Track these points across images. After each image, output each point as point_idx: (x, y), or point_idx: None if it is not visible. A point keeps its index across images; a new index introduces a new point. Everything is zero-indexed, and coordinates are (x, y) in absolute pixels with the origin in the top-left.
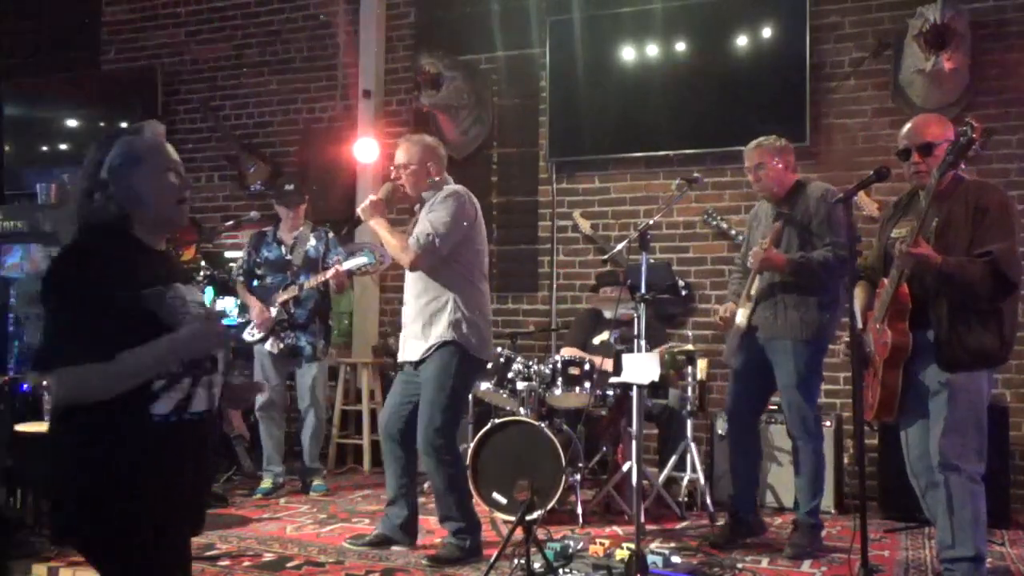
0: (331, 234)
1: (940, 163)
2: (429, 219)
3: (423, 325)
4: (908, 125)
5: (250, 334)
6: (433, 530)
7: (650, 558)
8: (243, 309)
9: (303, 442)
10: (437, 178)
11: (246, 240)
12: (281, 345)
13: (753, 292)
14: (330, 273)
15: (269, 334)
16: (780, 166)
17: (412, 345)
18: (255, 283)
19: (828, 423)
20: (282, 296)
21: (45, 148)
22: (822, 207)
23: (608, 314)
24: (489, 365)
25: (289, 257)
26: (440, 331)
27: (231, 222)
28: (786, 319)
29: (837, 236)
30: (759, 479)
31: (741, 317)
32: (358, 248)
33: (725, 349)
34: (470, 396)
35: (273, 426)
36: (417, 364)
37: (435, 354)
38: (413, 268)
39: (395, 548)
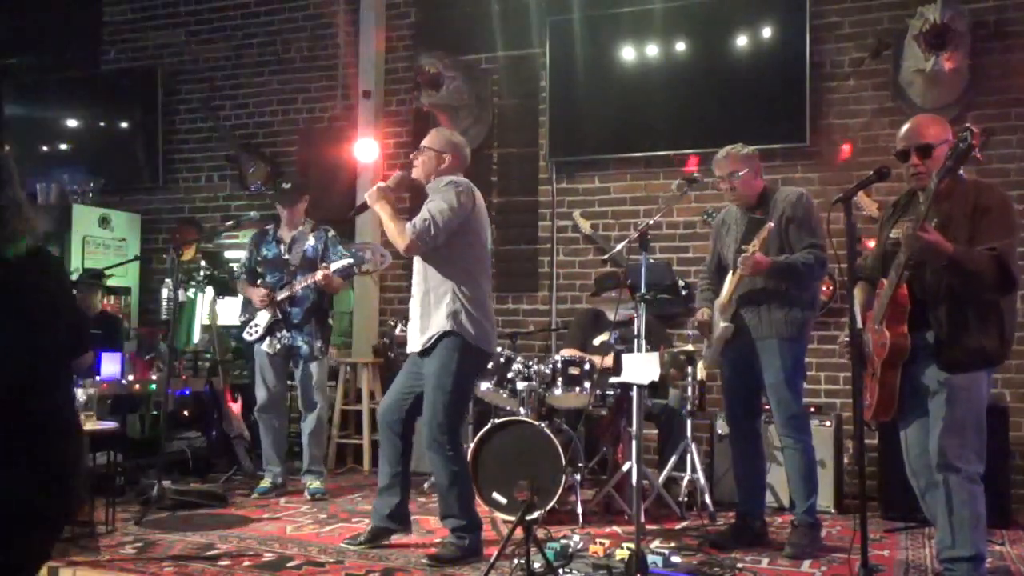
0: (331, 233)
1: (940, 168)
2: (428, 207)
3: (423, 316)
4: (906, 126)
5: (249, 333)
6: (433, 529)
7: (650, 558)
8: (245, 307)
9: (303, 443)
10: (448, 172)
11: (247, 239)
12: (278, 345)
13: (735, 296)
14: (318, 276)
15: (267, 332)
16: (750, 173)
17: (415, 336)
18: (256, 282)
19: (828, 423)
20: (280, 295)
21: (45, 148)
22: (799, 210)
23: (610, 315)
24: (490, 365)
25: (287, 256)
26: (439, 321)
27: (231, 222)
28: (771, 319)
29: (815, 238)
30: (765, 484)
31: (725, 323)
32: (360, 248)
33: (708, 355)
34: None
35: (271, 427)
36: (421, 354)
37: (436, 347)
38: (408, 253)
39: (395, 548)
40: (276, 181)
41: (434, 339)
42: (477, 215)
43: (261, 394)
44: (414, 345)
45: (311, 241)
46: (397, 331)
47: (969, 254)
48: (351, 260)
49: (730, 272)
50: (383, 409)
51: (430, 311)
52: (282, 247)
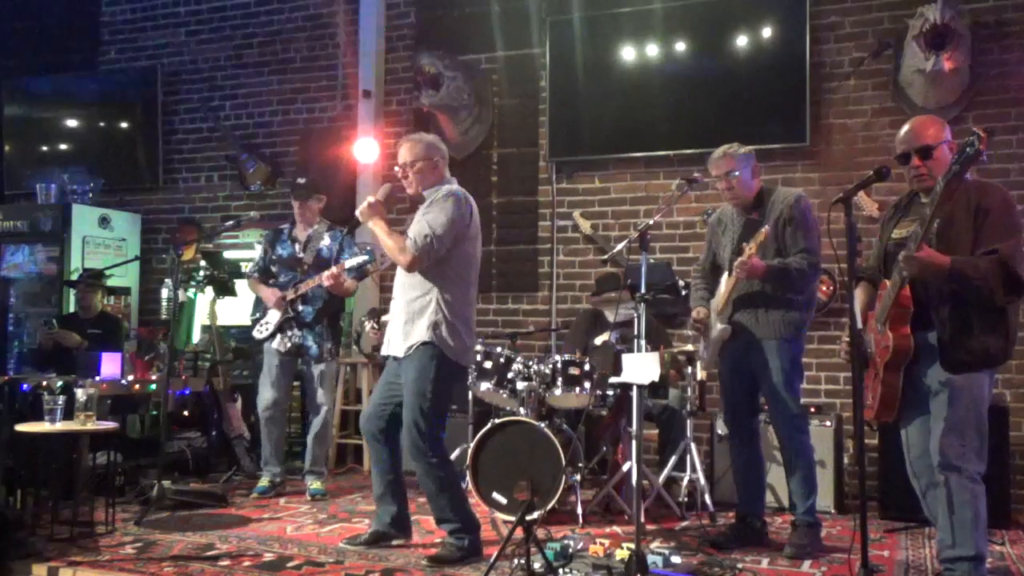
0: (345, 233)
1: (945, 172)
2: (426, 219)
3: (405, 322)
4: (905, 128)
5: (259, 331)
6: (433, 530)
7: (650, 558)
8: (257, 305)
9: (307, 443)
10: (442, 174)
11: (248, 239)
12: (288, 343)
13: (732, 297)
14: (324, 276)
15: (277, 330)
16: (747, 172)
17: (395, 341)
18: (270, 281)
19: (828, 423)
20: (291, 294)
21: (45, 148)
22: (796, 212)
23: (609, 316)
24: (490, 363)
25: (301, 255)
26: (420, 331)
27: (231, 222)
28: (768, 320)
29: (810, 242)
30: (764, 484)
31: (722, 324)
32: (363, 249)
33: (705, 356)
34: (470, 396)
35: (274, 426)
36: (399, 360)
37: (414, 355)
38: (411, 269)
39: (395, 548)
40: (276, 181)
41: (413, 348)
42: (473, 225)
43: (268, 394)
44: (396, 350)
45: (326, 241)
46: (368, 329)
47: (970, 264)
48: (367, 257)
49: (725, 273)
50: (364, 419)
51: (413, 318)
52: (296, 246)
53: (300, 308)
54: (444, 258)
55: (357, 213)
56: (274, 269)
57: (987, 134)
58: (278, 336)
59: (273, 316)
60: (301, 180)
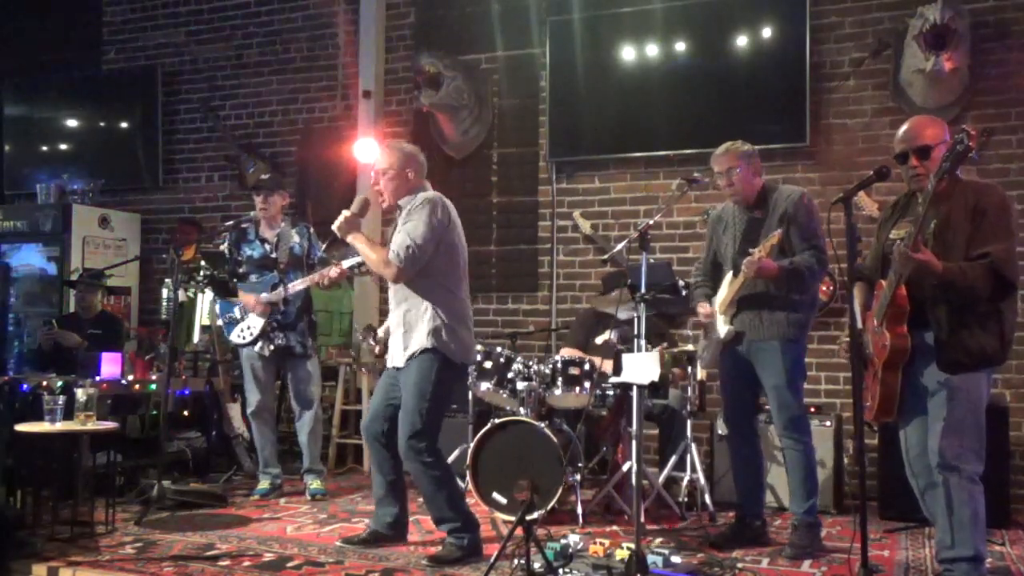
0: (311, 229)
1: (937, 169)
2: (406, 230)
3: (404, 332)
4: (904, 128)
5: (241, 336)
6: (433, 530)
7: (650, 558)
8: (227, 306)
9: (302, 443)
10: (415, 185)
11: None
12: (272, 347)
13: (736, 297)
14: (333, 272)
15: (260, 336)
16: (750, 170)
17: (396, 352)
18: (239, 282)
19: (828, 423)
20: (281, 296)
21: (45, 148)
22: (800, 210)
23: (620, 313)
24: (490, 363)
25: (275, 255)
26: (420, 339)
27: (231, 222)
28: (772, 321)
29: (817, 239)
30: (764, 484)
31: (728, 325)
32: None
33: (705, 356)
34: (470, 396)
35: (266, 429)
36: (400, 369)
37: (415, 361)
38: (396, 281)
39: (394, 548)
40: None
41: (415, 356)
42: (453, 227)
43: (254, 397)
44: (397, 360)
45: (295, 238)
46: (364, 346)
47: (960, 271)
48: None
49: (730, 272)
50: (366, 423)
51: (411, 327)
52: (267, 246)
53: (283, 309)
54: (430, 264)
55: (334, 228)
56: (243, 270)
57: (978, 132)
58: (260, 341)
59: (256, 321)
60: (265, 176)
